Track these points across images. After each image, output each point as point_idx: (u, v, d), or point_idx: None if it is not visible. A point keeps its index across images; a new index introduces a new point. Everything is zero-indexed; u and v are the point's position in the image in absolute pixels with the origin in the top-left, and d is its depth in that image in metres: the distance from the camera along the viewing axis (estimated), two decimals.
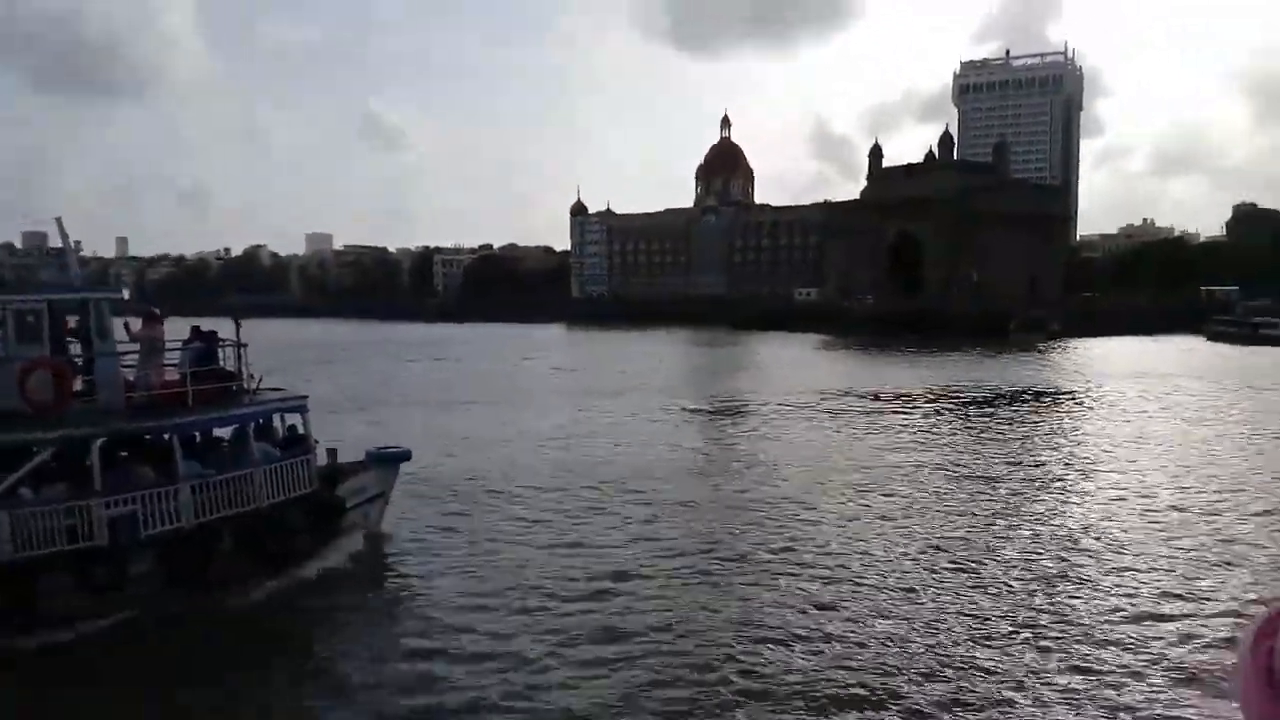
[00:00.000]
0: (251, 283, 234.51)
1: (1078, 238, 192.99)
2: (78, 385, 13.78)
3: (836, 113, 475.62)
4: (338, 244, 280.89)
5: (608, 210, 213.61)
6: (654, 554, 16.39)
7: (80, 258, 15.13)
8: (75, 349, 14.29)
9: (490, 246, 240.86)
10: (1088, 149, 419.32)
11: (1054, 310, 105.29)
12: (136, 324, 14.77)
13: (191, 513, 13.54)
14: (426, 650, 12.17)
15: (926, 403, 39.59)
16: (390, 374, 55.55)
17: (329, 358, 62.41)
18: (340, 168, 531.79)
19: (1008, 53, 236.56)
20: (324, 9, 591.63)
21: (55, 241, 16.36)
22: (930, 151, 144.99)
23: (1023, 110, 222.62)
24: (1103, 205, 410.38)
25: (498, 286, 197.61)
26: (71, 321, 14.15)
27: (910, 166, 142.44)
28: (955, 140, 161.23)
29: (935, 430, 31.79)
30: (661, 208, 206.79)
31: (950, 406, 38.41)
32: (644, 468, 24.56)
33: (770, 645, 12.16)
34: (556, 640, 12.31)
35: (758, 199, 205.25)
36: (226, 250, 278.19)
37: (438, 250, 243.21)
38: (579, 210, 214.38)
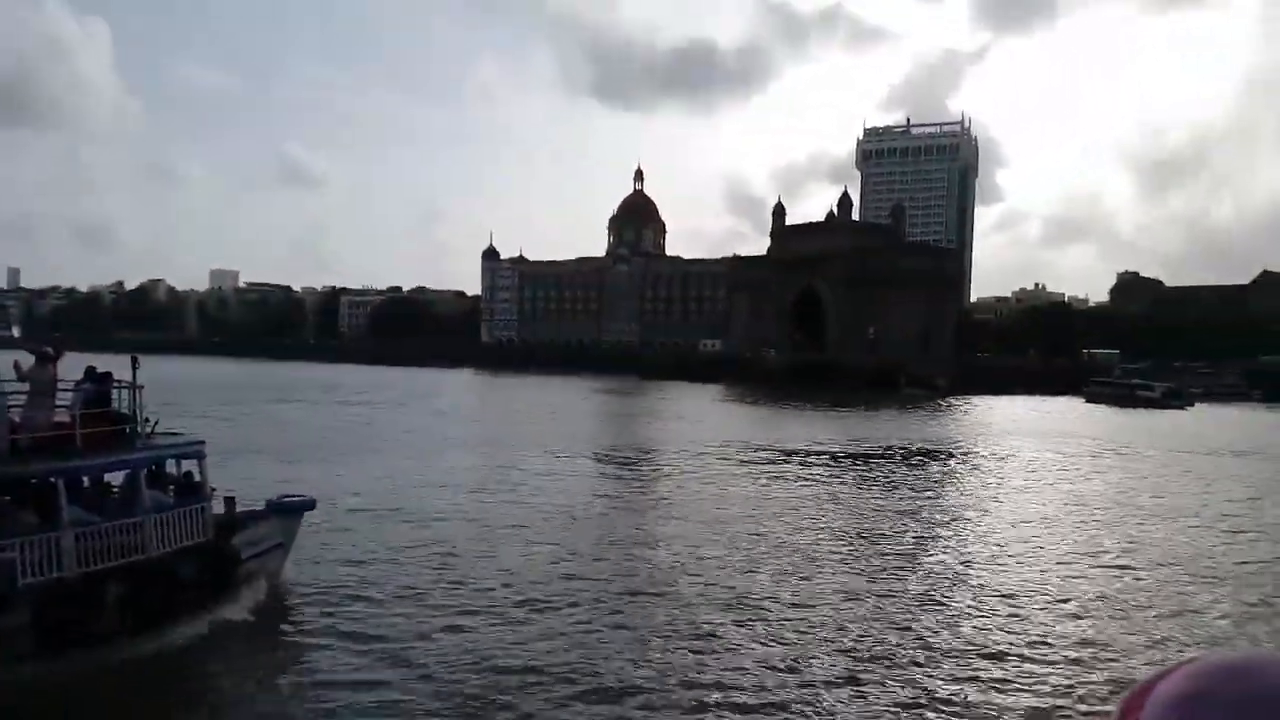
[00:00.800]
0: (147, 318, 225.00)
1: (972, 299, 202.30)
2: None
3: (751, 171, 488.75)
4: (243, 282, 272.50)
5: (520, 256, 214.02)
6: (553, 596, 16.62)
7: None
8: None
9: (399, 289, 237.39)
10: (986, 215, 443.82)
11: (943, 368, 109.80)
12: (27, 362, 14.24)
13: (74, 561, 13.02)
14: (321, 709, 11.95)
15: (819, 455, 40.89)
16: (291, 418, 54.08)
17: (226, 399, 60.43)
18: (252, 208, 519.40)
19: (908, 121, 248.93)
20: (240, 55, 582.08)
21: None
22: (831, 211, 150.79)
23: (921, 176, 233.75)
24: (999, 269, 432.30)
25: (406, 329, 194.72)
26: None
27: (811, 225, 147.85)
28: (859, 202, 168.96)
29: (824, 480, 33.05)
30: (575, 256, 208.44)
31: (840, 459, 39.88)
32: (548, 515, 24.73)
33: (654, 669, 12.47)
34: (457, 694, 12.27)
35: (670, 251, 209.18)
36: (120, 284, 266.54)
37: (344, 290, 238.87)
38: (491, 255, 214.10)
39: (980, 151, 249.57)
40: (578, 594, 17.15)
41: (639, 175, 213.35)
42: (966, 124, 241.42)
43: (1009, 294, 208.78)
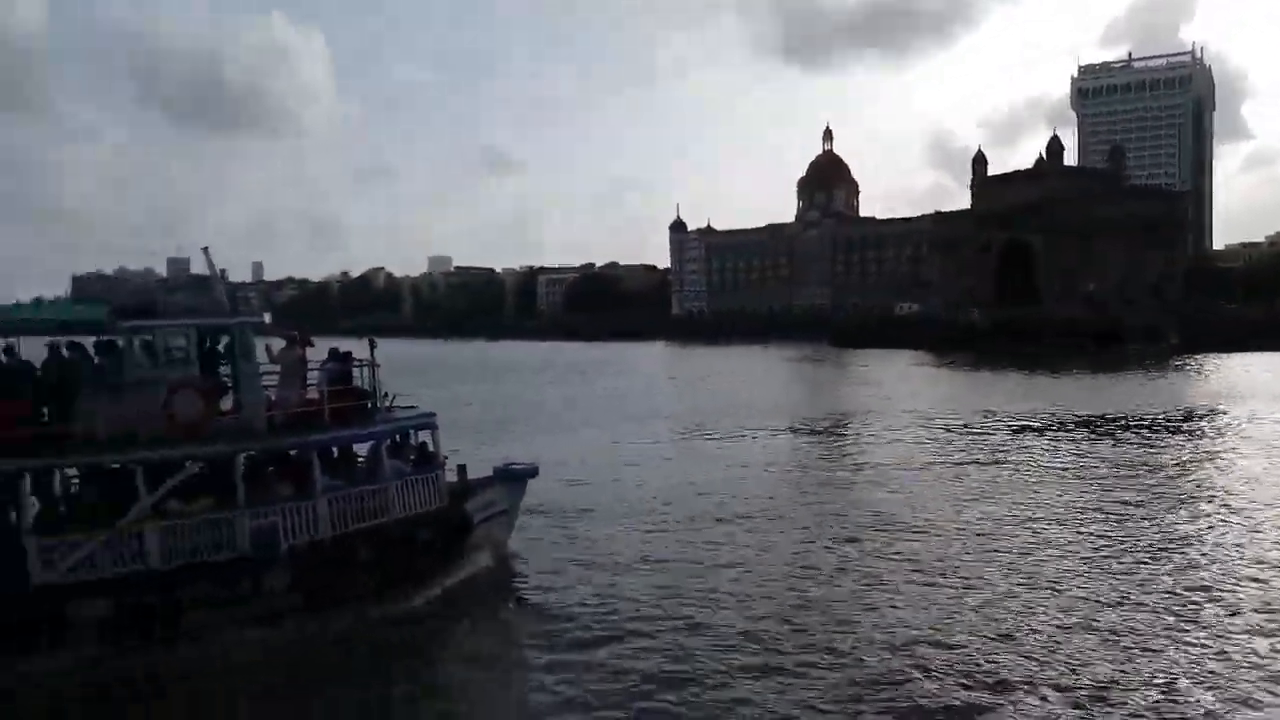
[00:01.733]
0: (369, 304, 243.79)
1: (1215, 246, 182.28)
2: (226, 404, 14.52)
3: (955, 123, 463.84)
4: (454, 266, 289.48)
5: (707, 227, 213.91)
6: (774, 575, 16.21)
7: (226, 284, 15.97)
8: (224, 371, 15.04)
9: (592, 266, 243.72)
10: (1229, 155, 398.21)
11: (1172, 322, 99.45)
12: (277, 346, 15.50)
13: (328, 525, 14.08)
14: (549, 667, 12.28)
15: (1040, 425, 38.00)
16: (499, 392, 56.85)
17: (440, 377, 64.12)
18: (460, 197, 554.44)
19: (1129, 55, 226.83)
20: (446, 52, 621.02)
21: (195, 268, 17.24)
22: (1040, 157, 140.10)
23: (1146, 114, 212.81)
24: (1250, 212, 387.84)
25: (599, 305, 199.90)
26: (219, 345, 14.94)
27: (1018, 173, 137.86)
28: (1075, 146, 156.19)
29: (1057, 456, 30.23)
30: (763, 223, 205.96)
31: (1067, 430, 36.63)
32: (758, 489, 24.30)
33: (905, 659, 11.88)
34: (679, 661, 12.22)
35: (864, 212, 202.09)
36: (345, 274, 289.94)
37: (542, 270, 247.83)
38: (678, 228, 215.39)
39: (1218, 84, 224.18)
40: (810, 564, 16.77)
41: (828, 135, 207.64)
42: (1199, 54, 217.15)
43: (1262, 239, 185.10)
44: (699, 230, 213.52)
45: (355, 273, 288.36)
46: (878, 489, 24.03)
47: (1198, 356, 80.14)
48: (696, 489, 24.08)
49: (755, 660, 12.16)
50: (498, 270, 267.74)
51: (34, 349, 14.37)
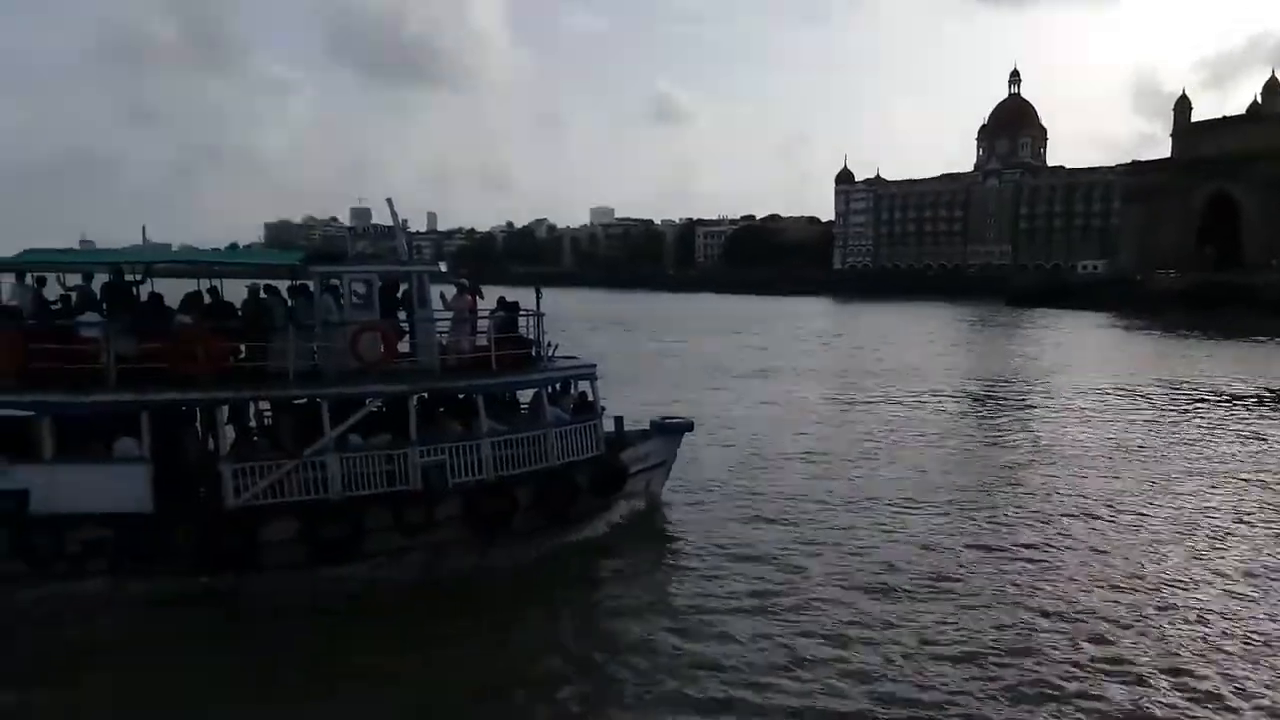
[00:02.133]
0: (531, 254, 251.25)
1: None
2: (403, 347, 15.34)
3: (1161, 63, 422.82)
4: (616, 217, 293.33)
5: (876, 177, 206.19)
6: (939, 546, 15.61)
7: (406, 234, 16.78)
8: (401, 316, 15.86)
9: (753, 218, 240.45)
10: None
11: None
12: (450, 293, 16.21)
13: (492, 466, 14.71)
14: (698, 620, 12.36)
15: (1254, 398, 34.64)
16: (653, 345, 57.36)
17: (594, 327, 65.24)
18: (624, 147, 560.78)
19: None
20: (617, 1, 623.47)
21: (377, 218, 18.14)
22: (1254, 101, 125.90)
23: None
24: None
25: (758, 258, 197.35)
26: (398, 291, 15.75)
27: (1229, 119, 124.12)
28: None
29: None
30: (936, 173, 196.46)
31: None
32: (923, 456, 23.49)
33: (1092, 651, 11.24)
34: (829, 629, 12.01)
35: (1053, 161, 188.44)
36: (509, 224, 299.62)
37: (700, 222, 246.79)
38: (845, 178, 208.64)
39: None
40: (983, 543, 16.16)
41: (1015, 78, 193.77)
42: None
43: None
44: (867, 180, 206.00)
45: (519, 223, 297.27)
46: (1064, 467, 22.15)
47: None
48: (859, 452, 23.57)
49: (909, 641, 11.68)
50: (656, 222, 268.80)
51: (234, 290, 15.63)
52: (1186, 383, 37.97)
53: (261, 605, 12.57)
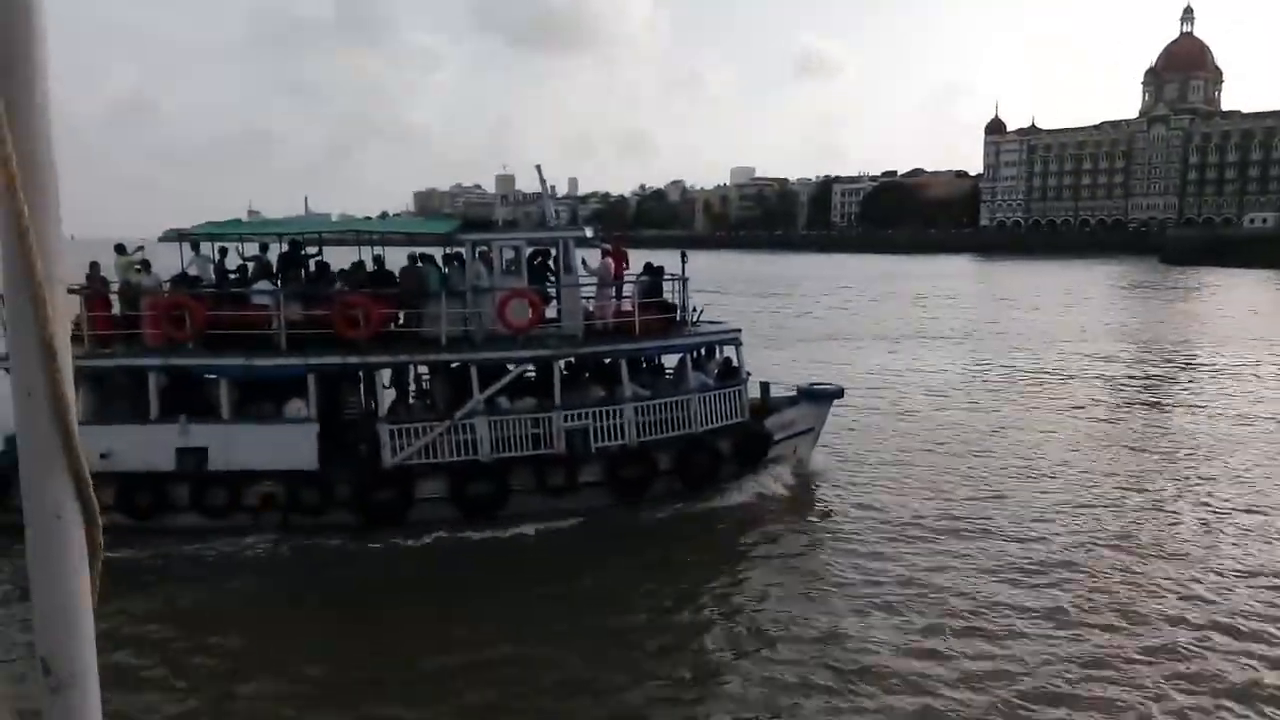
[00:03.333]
0: (665, 216, 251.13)
1: None
2: (550, 312, 15.56)
3: None
4: (758, 176, 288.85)
5: (1031, 127, 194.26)
6: (1093, 529, 14.58)
7: (554, 200, 16.96)
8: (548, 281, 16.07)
9: (894, 173, 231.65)
10: None
11: None
12: (593, 259, 16.28)
13: (634, 432, 14.78)
14: (838, 592, 12.08)
15: None
16: (792, 306, 56.38)
17: (731, 291, 64.55)
18: (766, 105, 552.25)
19: None
20: None
21: (521, 185, 18.35)
22: None
23: None
24: None
25: (899, 215, 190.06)
26: (545, 257, 15.95)
27: None
28: None
29: None
30: (1096, 120, 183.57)
31: None
32: (1077, 431, 21.98)
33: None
34: (977, 608, 11.43)
35: (1227, 105, 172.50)
36: (643, 187, 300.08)
37: (837, 179, 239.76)
38: (995, 128, 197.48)
39: None
40: (1126, 533, 15.14)
41: (1188, 14, 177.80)
42: None
43: None
44: (1019, 130, 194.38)
45: (656, 185, 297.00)
46: (1225, 450, 20.12)
47: None
48: (1007, 425, 22.40)
49: (1049, 624, 11.00)
50: (791, 181, 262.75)
51: (392, 258, 16.20)
52: None
53: (416, 552, 13.18)
